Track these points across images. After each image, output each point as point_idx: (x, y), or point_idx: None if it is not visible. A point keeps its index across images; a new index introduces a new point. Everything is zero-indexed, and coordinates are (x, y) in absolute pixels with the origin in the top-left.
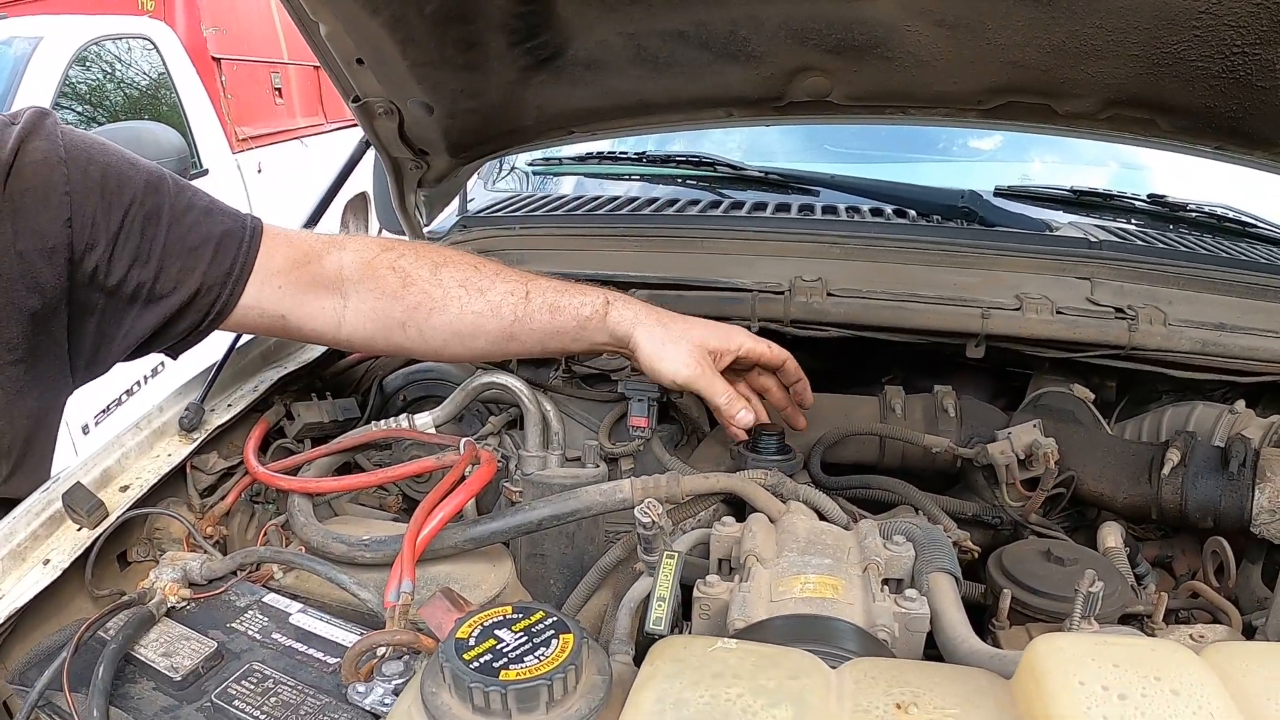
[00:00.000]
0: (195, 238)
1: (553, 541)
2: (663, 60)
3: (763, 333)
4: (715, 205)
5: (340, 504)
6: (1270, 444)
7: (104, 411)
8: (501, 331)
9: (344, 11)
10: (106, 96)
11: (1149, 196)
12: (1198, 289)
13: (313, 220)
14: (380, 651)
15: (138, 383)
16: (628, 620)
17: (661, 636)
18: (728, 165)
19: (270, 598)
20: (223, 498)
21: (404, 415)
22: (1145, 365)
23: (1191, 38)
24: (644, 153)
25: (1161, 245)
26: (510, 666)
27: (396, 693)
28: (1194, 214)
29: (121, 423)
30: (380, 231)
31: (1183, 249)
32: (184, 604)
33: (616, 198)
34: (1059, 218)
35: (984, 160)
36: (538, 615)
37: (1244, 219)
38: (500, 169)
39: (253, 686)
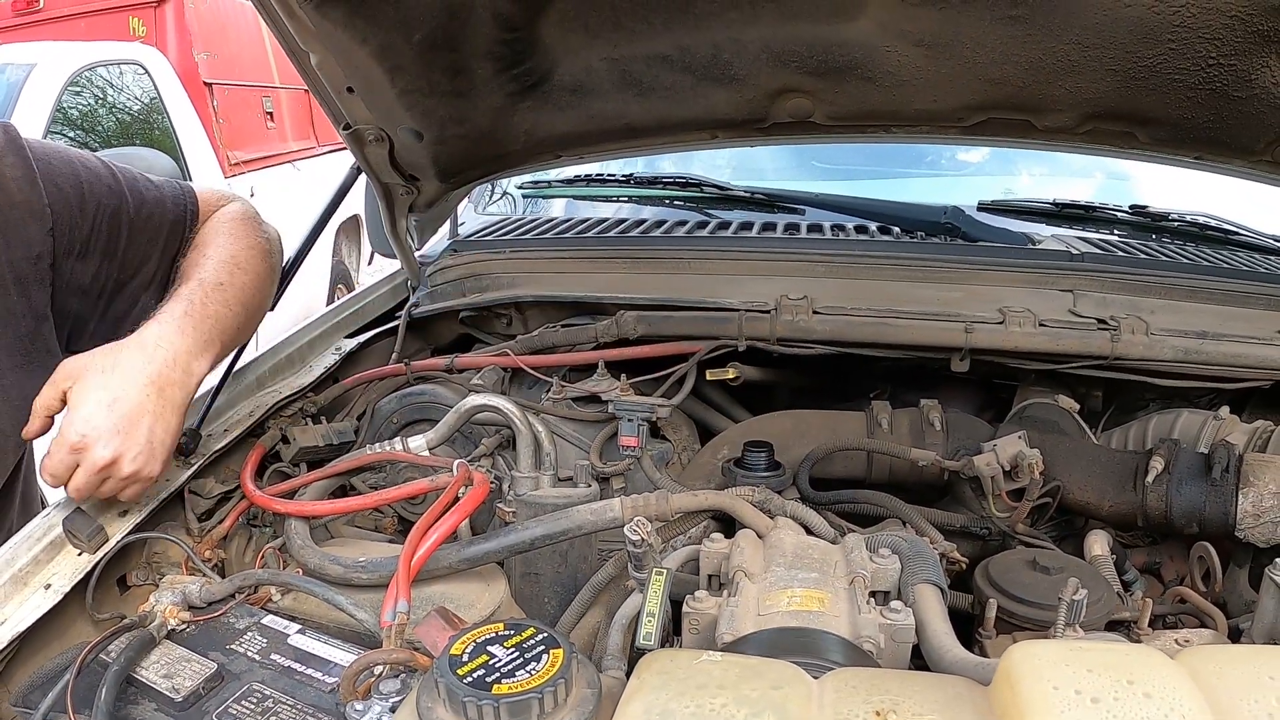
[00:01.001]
0: (152, 228)
1: (546, 560)
2: (647, 84)
3: (750, 351)
4: (702, 225)
5: (336, 526)
6: (1254, 449)
7: None
8: None
9: (334, 41)
10: (99, 122)
11: (1131, 207)
12: (1180, 298)
13: (306, 245)
14: (377, 670)
15: None
16: (620, 636)
17: (652, 651)
18: (714, 186)
19: (269, 619)
20: (220, 521)
21: (398, 438)
22: (1129, 375)
23: (1167, 51)
24: (631, 175)
25: (1143, 256)
26: (503, 681)
27: (394, 710)
28: (1176, 223)
29: None
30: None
31: (1165, 259)
32: (184, 626)
33: (605, 219)
34: (1042, 231)
35: (970, 174)
36: (529, 631)
37: (1226, 226)
38: (490, 193)
39: (253, 706)
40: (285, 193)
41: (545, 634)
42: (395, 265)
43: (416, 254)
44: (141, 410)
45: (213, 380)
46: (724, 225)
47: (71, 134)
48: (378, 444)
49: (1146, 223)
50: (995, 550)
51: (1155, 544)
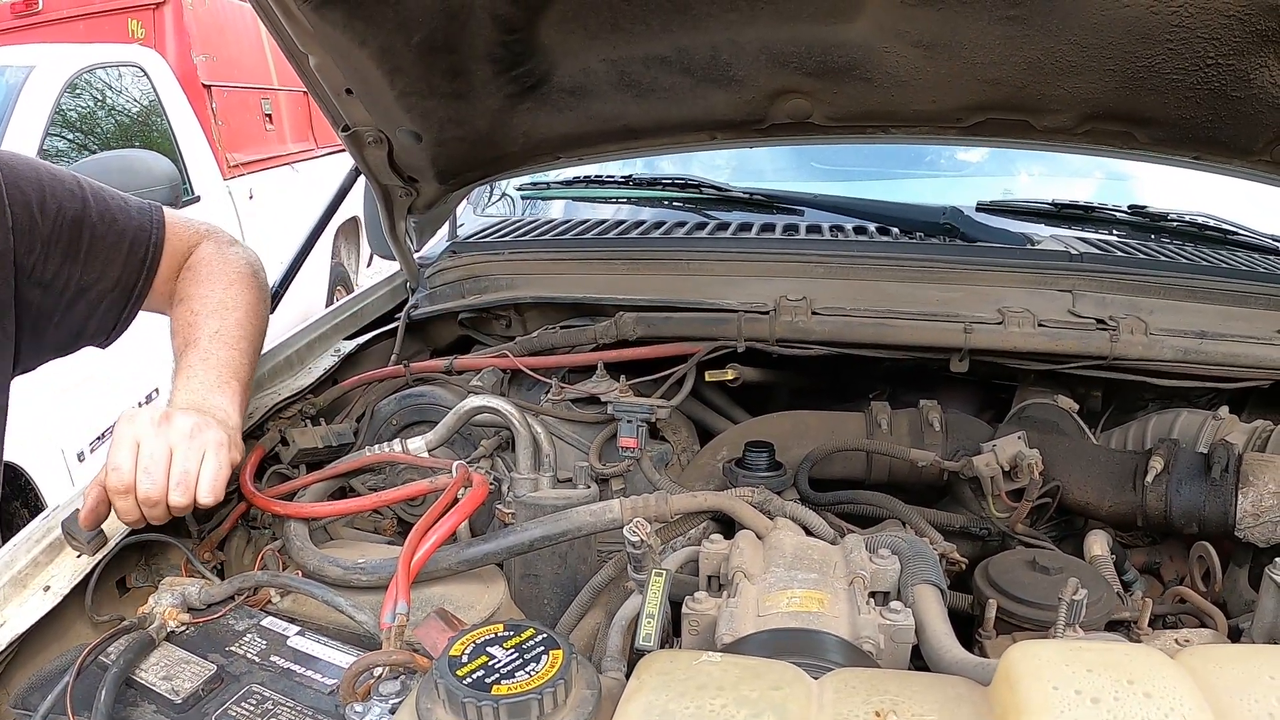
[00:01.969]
0: (114, 234)
1: (546, 562)
2: (645, 86)
3: (750, 352)
4: (701, 227)
5: (336, 528)
6: (1254, 449)
7: (99, 438)
8: None
9: (332, 43)
10: (98, 124)
11: (1130, 207)
12: (1179, 298)
13: (305, 247)
14: (377, 672)
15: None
16: (619, 638)
17: (651, 652)
18: (713, 187)
19: (268, 621)
20: (220, 524)
21: (397, 440)
22: (1128, 375)
23: (1165, 51)
24: (630, 176)
25: (1142, 256)
26: (502, 682)
27: (393, 712)
28: (1175, 223)
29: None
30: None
31: (1163, 259)
32: (183, 628)
33: (604, 221)
34: (1041, 231)
35: (970, 174)
36: (528, 633)
37: (1225, 226)
38: (489, 194)
39: (252, 708)
40: (284, 195)
41: (545, 635)
42: (394, 267)
43: (415, 256)
44: None
45: None
46: (723, 226)
47: (70, 136)
48: (377, 445)
49: (1145, 223)
50: (995, 551)
51: (1155, 544)
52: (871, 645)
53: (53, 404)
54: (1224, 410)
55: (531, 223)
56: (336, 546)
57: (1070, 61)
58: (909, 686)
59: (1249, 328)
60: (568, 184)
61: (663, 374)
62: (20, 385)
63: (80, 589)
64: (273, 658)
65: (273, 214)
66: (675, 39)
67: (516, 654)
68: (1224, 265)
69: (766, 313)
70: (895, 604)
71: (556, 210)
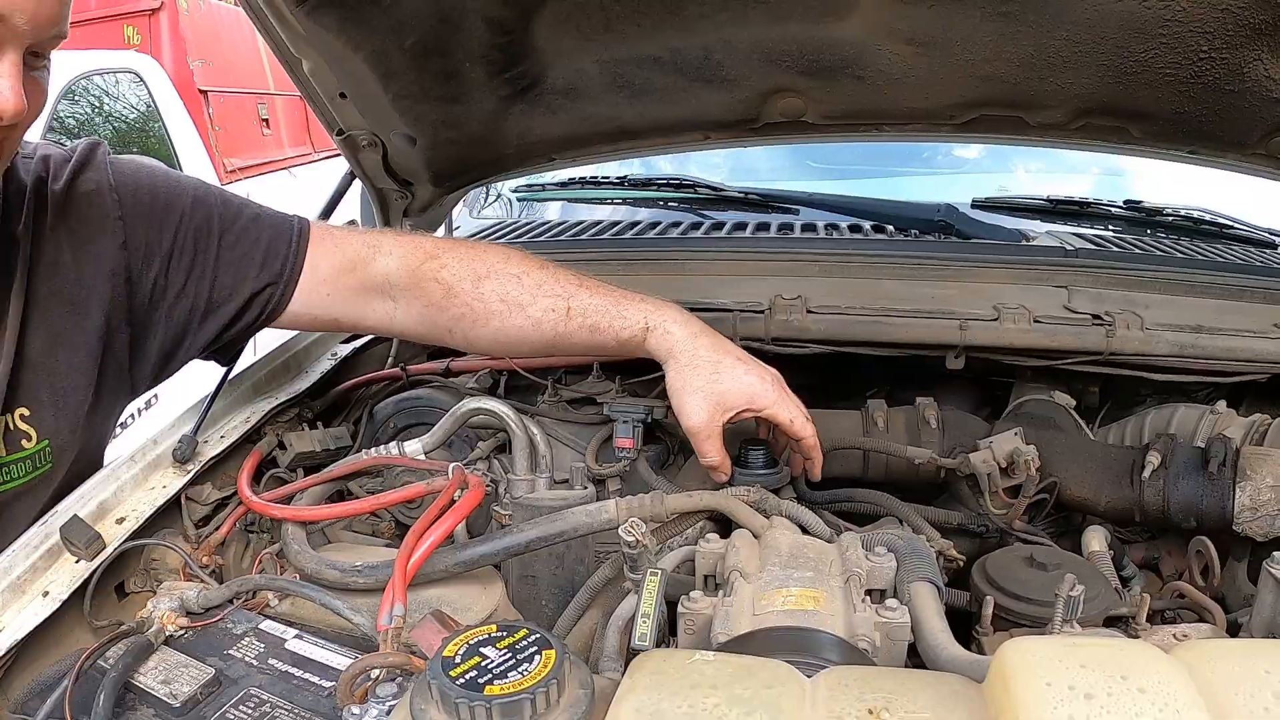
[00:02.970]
0: (245, 245)
1: (543, 563)
2: (639, 86)
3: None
4: (697, 227)
5: (333, 531)
6: (1252, 443)
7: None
8: (544, 344)
9: (326, 48)
10: (95, 130)
11: (1125, 202)
12: (1175, 292)
13: None
14: (374, 674)
15: (131, 416)
16: (616, 638)
17: (645, 651)
18: (708, 187)
19: (266, 624)
20: (217, 528)
21: (394, 442)
22: (1124, 370)
23: (1159, 45)
24: (625, 177)
25: (1138, 251)
26: (495, 682)
27: (390, 713)
28: (1170, 218)
29: (116, 456)
30: None
31: (1159, 253)
32: (182, 632)
33: (600, 222)
34: (1036, 227)
35: (964, 172)
36: (521, 633)
37: (1220, 220)
38: (485, 196)
39: (250, 711)
40: (281, 199)
41: (537, 635)
42: None
43: None
44: None
45: (208, 386)
46: (718, 226)
47: (68, 143)
48: (374, 448)
49: (1141, 218)
50: (993, 547)
51: (1153, 539)
52: (867, 643)
53: None
54: (1221, 404)
55: (527, 225)
56: (334, 549)
57: (1063, 57)
58: (903, 684)
59: (1245, 321)
60: (563, 185)
61: (658, 374)
62: None
63: (79, 594)
64: (271, 660)
65: None
66: (668, 39)
67: (509, 654)
68: (1220, 259)
69: (761, 311)
70: (891, 601)
71: (553, 212)
